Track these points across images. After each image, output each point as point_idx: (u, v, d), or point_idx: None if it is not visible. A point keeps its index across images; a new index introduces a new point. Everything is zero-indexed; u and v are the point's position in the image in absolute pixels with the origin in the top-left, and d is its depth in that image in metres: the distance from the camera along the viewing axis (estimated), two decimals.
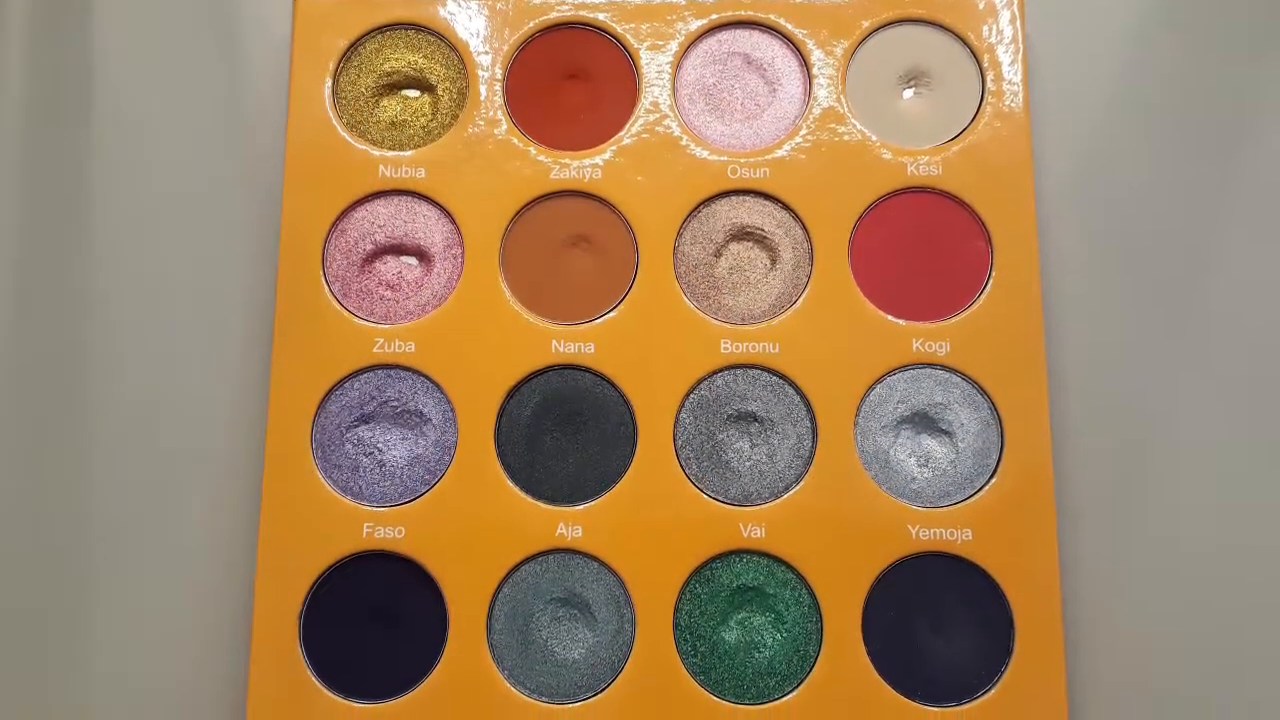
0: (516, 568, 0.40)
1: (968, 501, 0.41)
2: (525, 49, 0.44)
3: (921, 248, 0.42)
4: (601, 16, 0.44)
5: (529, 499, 0.41)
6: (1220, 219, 0.44)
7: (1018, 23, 0.44)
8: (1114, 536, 0.42)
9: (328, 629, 0.40)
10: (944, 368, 0.42)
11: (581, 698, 0.40)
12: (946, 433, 0.41)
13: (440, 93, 0.44)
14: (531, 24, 0.44)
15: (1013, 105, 0.43)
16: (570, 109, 0.44)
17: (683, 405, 0.42)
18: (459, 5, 0.44)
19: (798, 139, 0.43)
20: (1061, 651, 0.39)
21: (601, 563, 0.40)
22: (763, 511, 0.41)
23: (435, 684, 0.40)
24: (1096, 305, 0.43)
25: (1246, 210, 0.44)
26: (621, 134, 0.43)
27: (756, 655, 0.40)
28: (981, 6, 0.44)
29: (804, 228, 0.43)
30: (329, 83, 0.43)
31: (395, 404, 0.42)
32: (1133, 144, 0.45)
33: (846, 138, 0.43)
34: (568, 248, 0.43)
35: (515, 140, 0.43)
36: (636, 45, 0.44)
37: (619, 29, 0.44)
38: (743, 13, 0.44)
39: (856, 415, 0.41)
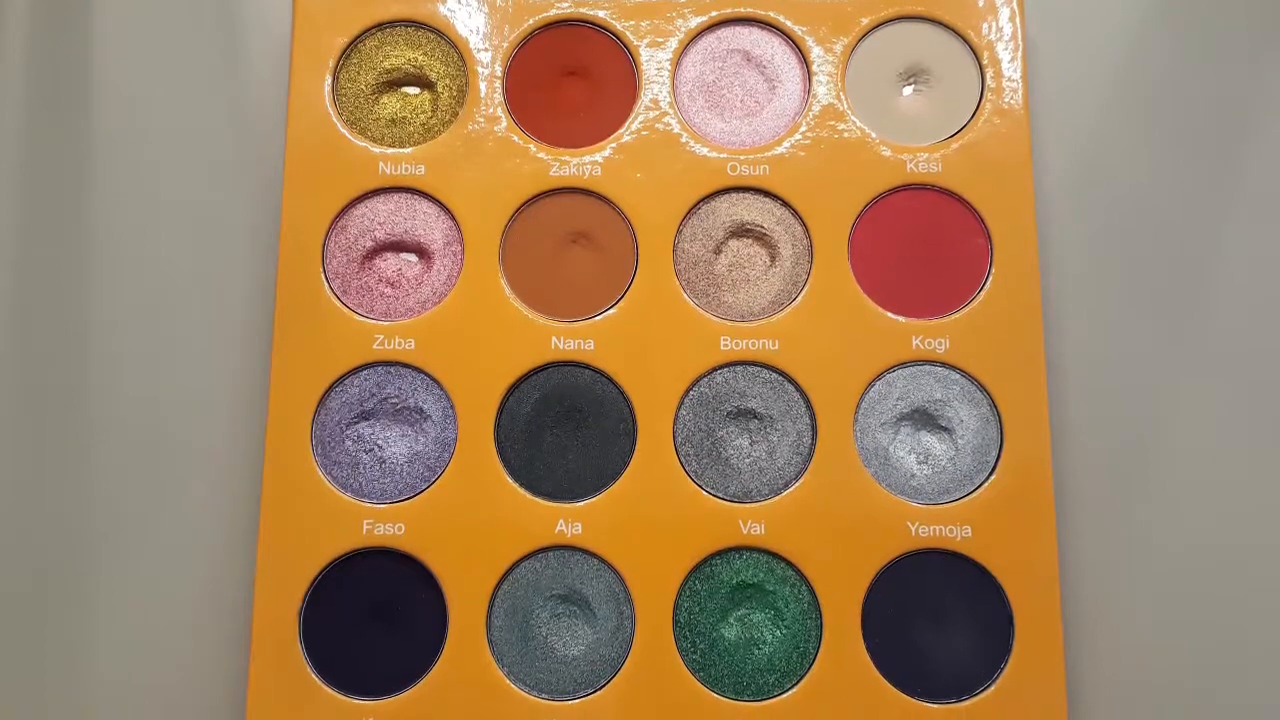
0: (516, 564, 0.41)
1: (967, 498, 0.41)
2: (525, 46, 0.44)
3: (921, 245, 0.42)
4: (601, 14, 0.44)
5: (529, 496, 0.41)
6: (1219, 215, 0.44)
7: (1017, 20, 0.44)
8: (1113, 532, 0.42)
9: (328, 626, 0.40)
10: (943, 364, 0.42)
11: (581, 694, 0.40)
12: (946, 429, 0.41)
13: (440, 90, 0.44)
14: (531, 21, 0.44)
15: (1012, 102, 0.43)
16: (570, 106, 0.44)
17: (682, 402, 0.42)
18: (459, 2, 0.44)
19: (797, 136, 0.43)
20: (1061, 648, 0.39)
21: (601, 559, 0.40)
22: (762, 508, 0.41)
23: (435, 681, 0.40)
24: (1096, 302, 0.43)
25: (1246, 206, 0.44)
26: (621, 131, 0.43)
27: (756, 652, 0.40)
28: (981, 4, 0.44)
29: (803, 225, 0.43)
30: (329, 80, 0.43)
31: (395, 401, 0.42)
32: (1132, 141, 0.45)
33: (846, 135, 0.43)
34: (567, 245, 0.43)
35: (515, 137, 0.43)
36: (636, 42, 0.44)
37: (619, 26, 0.44)
38: (742, 9, 0.44)
39: (856, 412, 0.41)
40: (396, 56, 0.44)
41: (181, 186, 0.44)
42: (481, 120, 0.43)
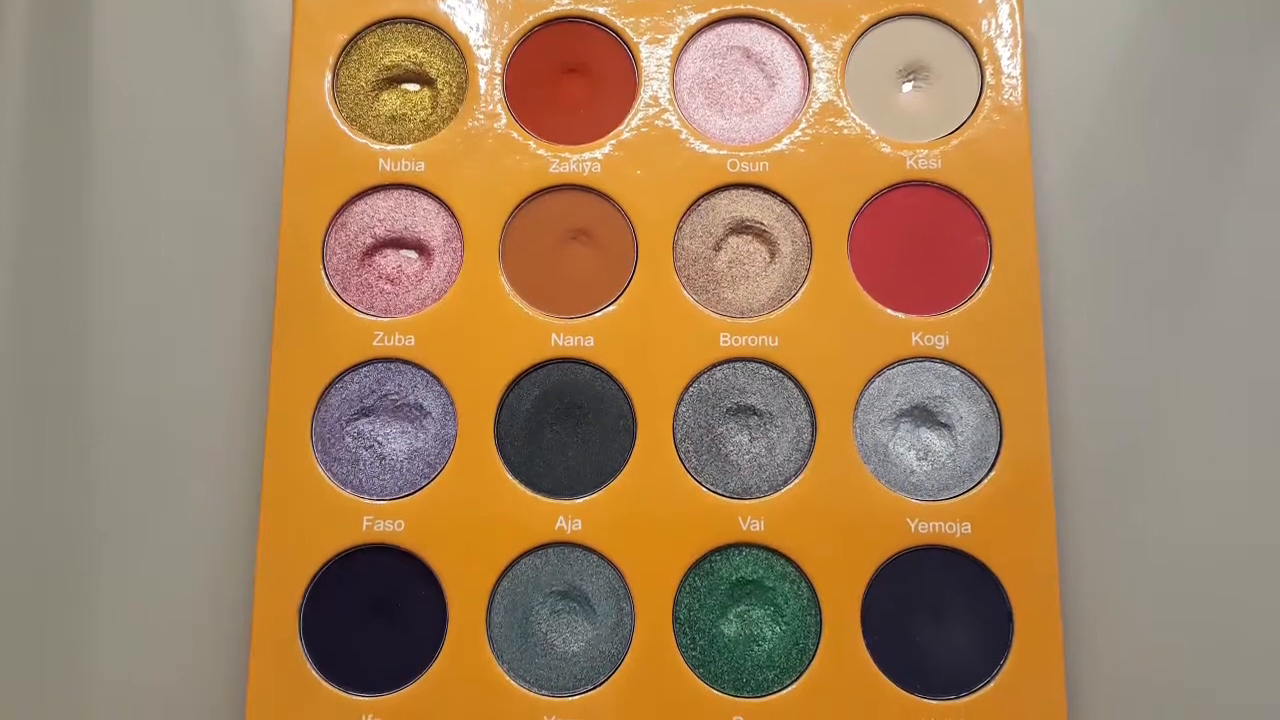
0: (516, 561, 0.40)
1: (967, 494, 0.41)
2: (525, 43, 0.44)
3: (920, 241, 0.42)
4: (601, 10, 0.44)
5: (528, 492, 0.41)
6: (1219, 211, 0.44)
7: (1017, 17, 0.44)
8: (1113, 529, 0.42)
9: (328, 622, 0.40)
10: (943, 361, 0.42)
11: (581, 691, 0.40)
12: (945, 426, 0.41)
13: (440, 87, 0.44)
14: (531, 18, 0.44)
15: (1012, 99, 0.43)
16: (570, 103, 0.44)
17: (682, 398, 0.42)
18: None
19: (797, 133, 0.43)
20: (1060, 644, 0.39)
21: (601, 556, 0.40)
22: (762, 505, 0.41)
23: (435, 677, 0.40)
24: (1095, 298, 0.43)
25: (1246, 202, 0.44)
26: (621, 128, 0.43)
27: (756, 648, 0.40)
28: (981, 1, 0.44)
29: (803, 221, 0.43)
30: (329, 77, 0.43)
31: (395, 397, 0.42)
32: (1131, 138, 0.45)
33: (846, 131, 0.43)
34: (567, 241, 0.43)
35: (515, 134, 0.43)
36: (636, 39, 0.44)
37: (618, 23, 0.44)
38: (742, 6, 0.44)
39: (855, 408, 0.41)
40: (396, 53, 0.44)
41: (181, 186, 0.44)
42: (481, 117, 0.43)
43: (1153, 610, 0.41)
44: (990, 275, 0.42)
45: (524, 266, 0.42)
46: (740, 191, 0.43)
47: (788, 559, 0.40)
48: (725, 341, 0.42)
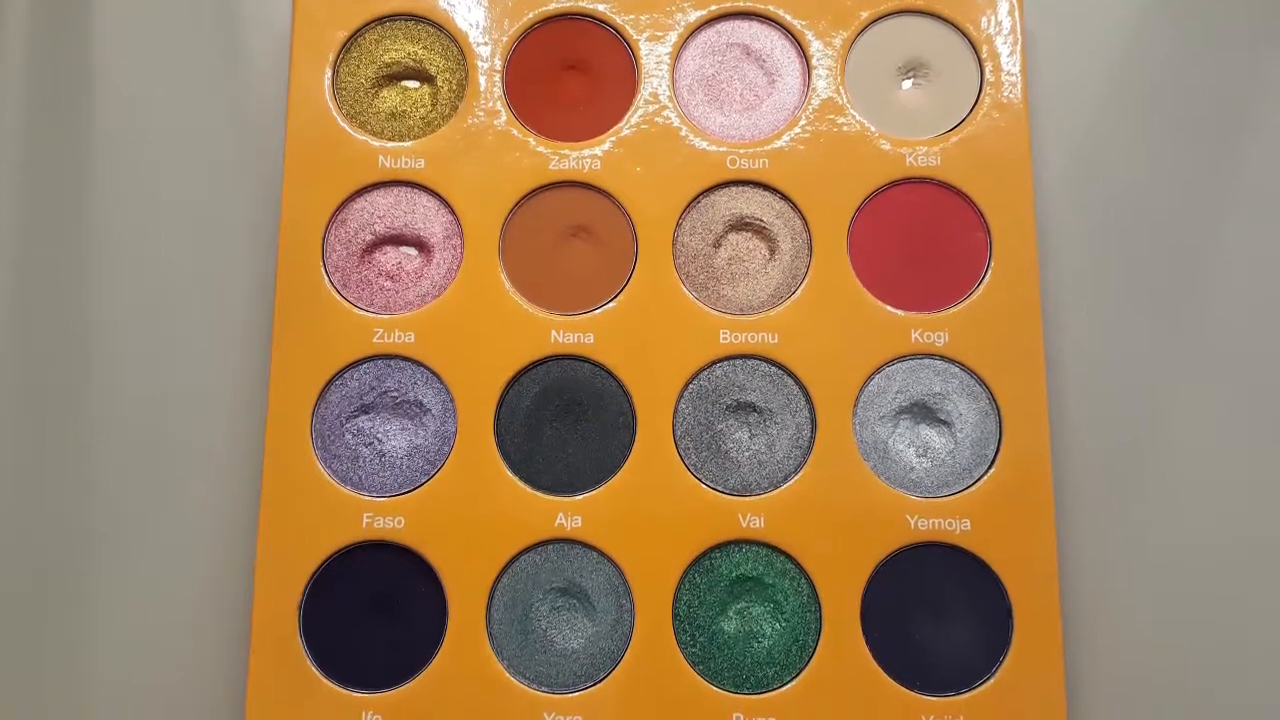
0: (516, 558, 0.40)
1: (966, 491, 0.41)
2: (525, 40, 0.44)
3: (920, 238, 0.42)
4: (601, 7, 0.44)
5: (528, 489, 0.41)
6: (1218, 209, 0.44)
7: (1016, 14, 0.44)
8: (1112, 526, 0.42)
9: (328, 619, 0.40)
10: (942, 358, 0.42)
11: (581, 687, 0.40)
12: (945, 423, 0.41)
13: (440, 84, 0.44)
14: (531, 15, 0.44)
15: (1011, 96, 0.43)
16: (569, 100, 0.44)
17: (682, 395, 0.42)
18: None
19: (797, 130, 0.43)
20: (1060, 641, 0.39)
21: (601, 553, 0.40)
22: (761, 501, 0.41)
23: (435, 674, 0.40)
24: (1095, 295, 0.43)
25: (1245, 200, 0.44)
26: (621, 125, 0.43)
27: (755, 645, 0.40)
28: None
29: (803, 218, 0.43)
30: (329, 74, 0.44)
31: (395, 394, 0.42)
32: (1131, 135, 0.45)
33: (845, 128, 0.43)
34: (567, 238, 0.43)
35: (515, 131, 0.43)
36: (636, 36, 0.44)
37: (618, 20, 0.44)
38: (742, 3, 0.44)
39: (855, 405, 0.41)
40: (396, 50, 0.44)
41: (181, 185, 0.45)
42: (481, 114, 0.43)
43: (1152, 606, 0.41)
44: (990, 272, 0.42)
45: (524, 263, 0.42)
46: (740, 188, 0.43)
47: (787, 556, 0.40)
48: (725, 338, 0.42)
